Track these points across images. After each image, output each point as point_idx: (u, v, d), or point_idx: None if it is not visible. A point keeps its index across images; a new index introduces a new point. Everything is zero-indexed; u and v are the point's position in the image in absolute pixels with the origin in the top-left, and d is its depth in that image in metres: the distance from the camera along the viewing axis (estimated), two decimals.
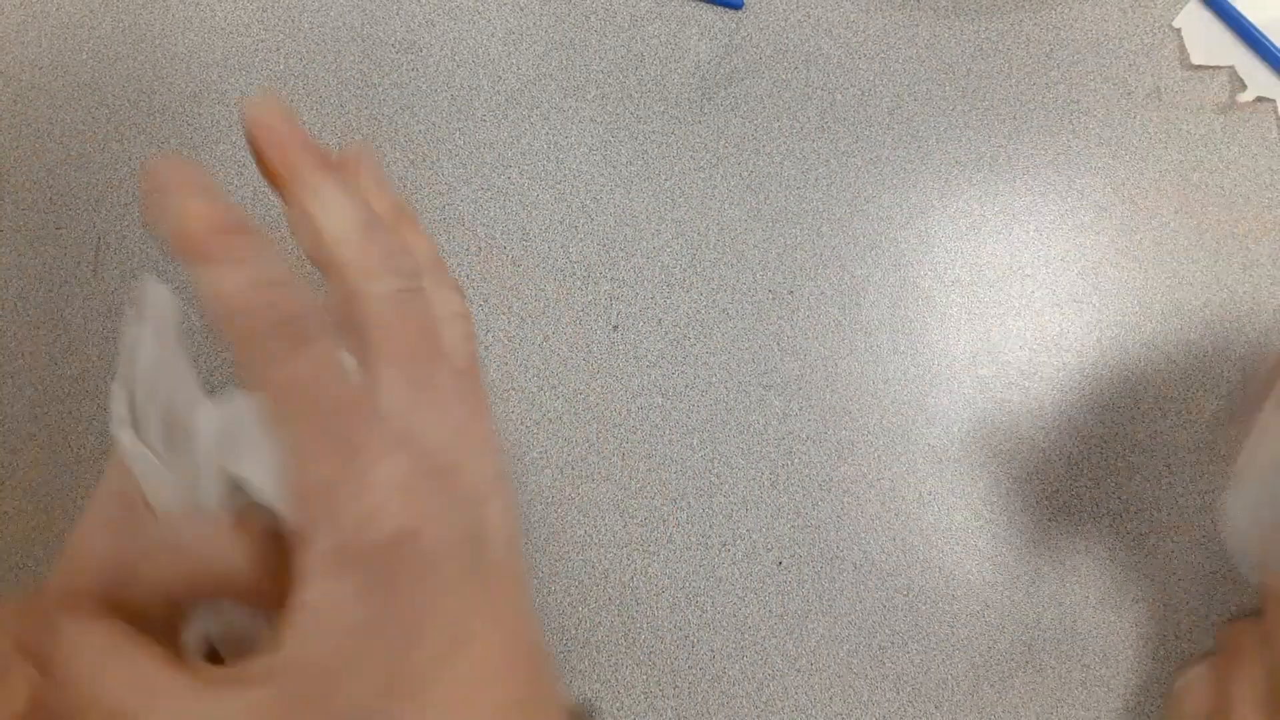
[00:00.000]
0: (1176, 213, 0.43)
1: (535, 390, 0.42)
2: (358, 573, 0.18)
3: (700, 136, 0.44)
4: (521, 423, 0.41)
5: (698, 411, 0.41)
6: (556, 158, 0.44)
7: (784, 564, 0.40)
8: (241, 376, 0.20)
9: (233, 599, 0.22)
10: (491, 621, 0.20)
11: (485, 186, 0.44)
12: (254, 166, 0.46)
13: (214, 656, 0.22)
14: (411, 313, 0.21)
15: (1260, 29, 0.44)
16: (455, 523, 0.20)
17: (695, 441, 0.41)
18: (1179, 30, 0.45)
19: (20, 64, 0.46)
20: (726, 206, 0.44)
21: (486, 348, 0.42)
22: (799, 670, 0.39)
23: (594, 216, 0.44)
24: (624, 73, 0.45)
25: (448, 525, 0.20)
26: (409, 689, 0.19)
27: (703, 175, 0.44)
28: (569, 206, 0.44)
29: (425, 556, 0.19)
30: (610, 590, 0.40)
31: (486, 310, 0.43)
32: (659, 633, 0.39)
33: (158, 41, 0.46)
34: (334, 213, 0.21)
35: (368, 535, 0.18)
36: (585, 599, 0.40)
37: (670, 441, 0.41)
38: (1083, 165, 0.44)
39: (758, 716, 0.39)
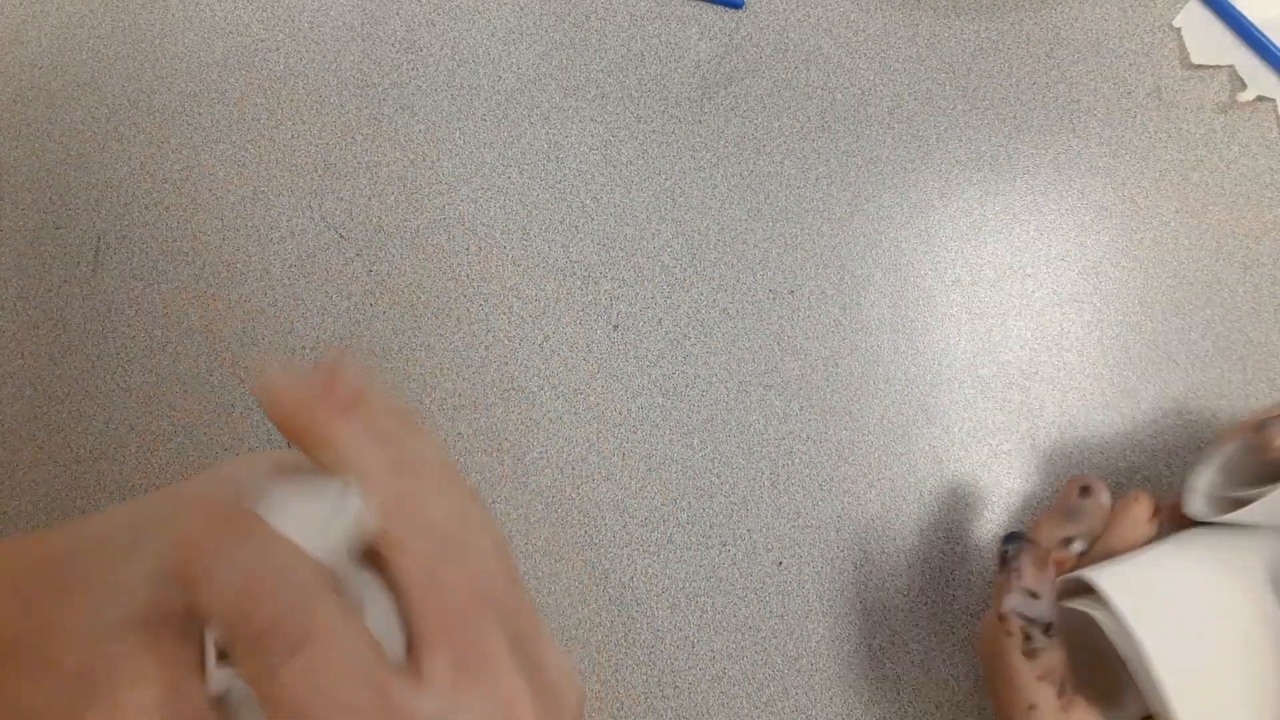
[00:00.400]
0: (1177, 212, 0.43)
1: (535, 390, 0.42)
2: None
3: (700, 136, 0.44)
4: (521, 423, 0.41)
5: (698, 411, 0.41)
6: (556, 157, 0.44)
7: (784, 564, 0.40)
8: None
9: None
10: None
11: (485, 186, 0.44)
12: (252, 167, 0.47)
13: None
14: (449, 574, 0.19)
15: (1260, 28, 0.44)
16: None
17: (695, 441, 0.41)
18: (1179, 30, 0.45)
19: (20, 64, 0.46)
20: (727, 206, 0.44)
21: (487, 348, 0.42)
22: (799, 671, 0.39)
23: (594, 216, 0.44)
24: (624, 72, 0.45)
25: None
26: None
27: (703, 175, 0.44)
28: (569, 206, 0.44)
29: None
30: (610, 590, 0.40)
31: (486, 310, 0.43)
32: (659, 633, 0.39)
33: (157, 41, 0.46)
34: (358, 470, 0.20)
35: None
36: (585, 599, 0.40)
37: (670, 441, 0.41)
38: (1083, 165, 0.44)
39: (758, 717, 0.39)
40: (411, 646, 0.19)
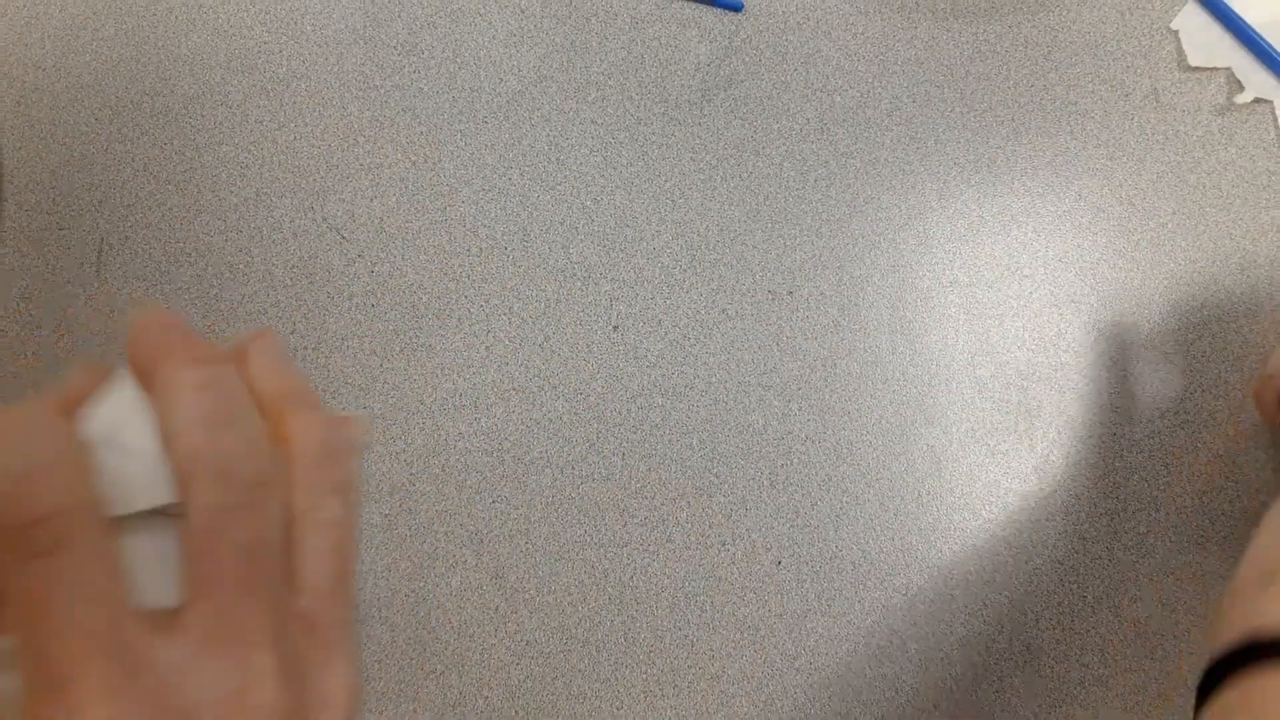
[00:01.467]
0: (1174, 214, 0.43)
1: (535, 390, 0.42)
2: None
3: (700, 138, 0.45)
4: (521, 423, 0.41)
5: (698, 411, 0.42)
6: (557, 159, 0.45)
7: (783, 564, 0.40)
8: None
9: None
10: None
11: (486, 187, 0.44)
12: (255, 168, 0.47)
13: None
14: (234, 532, 0.18)
15: (1258, 31, 0.44)
16: None
17: (695, 441, 0.41)
18: (1176, 32, 0.45)
19: (24, 66, 0.46)
20: (726, 207, 0.44)
21: (488, 348, 0.42)
22: (798, 670, 0.39)
23: (594, 217, 0.44)
24: (624, 75, 0.46)
25: None
26: None
27: (703, 176, 0.44)
28: (569, 207, 0.44)
29: None
30: (610, 590, 0.40)
31: (487, 311, 0.43)
32: (659, 633, 0.40)
33: (160, 44, 0.46)
34: (180, 404, 0.19)
35: None
36: (585, 599, 0.40)
37: (670, 441, 0.41)
38: (1081, 166, 0.44)
39: (757, 716, 0.39)
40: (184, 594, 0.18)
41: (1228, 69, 0.45)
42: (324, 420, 0.21)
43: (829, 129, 0.45)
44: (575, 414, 0.42)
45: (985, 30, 0.46)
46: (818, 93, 0.45)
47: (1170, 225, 0.43)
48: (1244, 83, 0.44)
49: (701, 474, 0.41)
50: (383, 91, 0.46)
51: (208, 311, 0.43)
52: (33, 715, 0.17)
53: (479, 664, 0.39)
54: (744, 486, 0.41)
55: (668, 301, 0.43)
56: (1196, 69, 0.45)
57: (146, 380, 0.20)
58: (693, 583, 0.40)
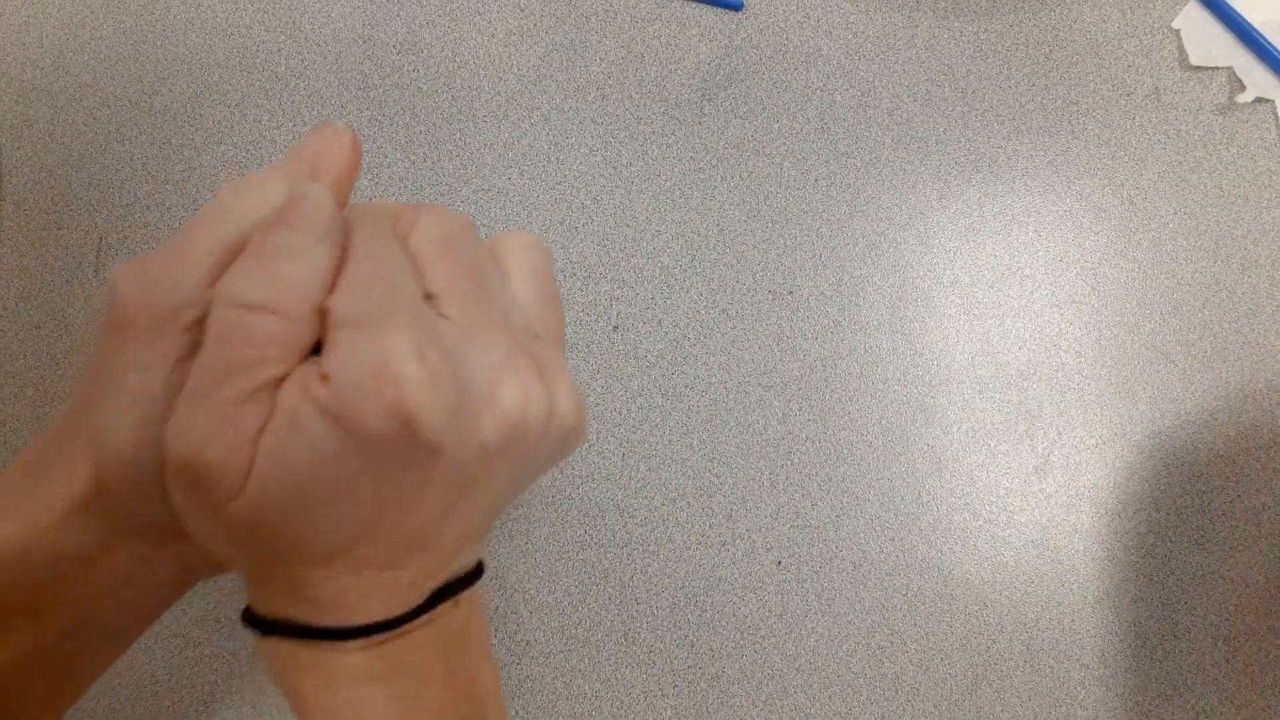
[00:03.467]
0: (1175, 213, 0.43)
1: None
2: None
3: (700, 137, 0.45)
4: None
5: (698, 411, 0.41)
6: (557, 158, 0.44)
7: (783, 564, 0.40)
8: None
9: None
10: None
11: (485, 187, 0.44)
12: (254, 167, 0.46)
13: None
14: (461, 248, 0.25)
15: (1259, 30, 0.44)
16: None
17: (695, 441, 0.41)
18: (1178, 31, 0.45)
19: (22, 64, 0.46)
20: (726, 207, 0.44)
21: None
22: (798, 670, 0.39)
23: (594, 217, 0.44)
24: (624, 74, 0.45)
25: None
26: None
27: (703, 176, 0.44)
28: (569, 207, 0.44)
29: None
30: (610, 590, 0.40)
31: None
32: (659, 633, 0.40)
33: (159, 42, 0.46)
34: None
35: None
36: (585, 599, 0.40)
37: (670, 441, 0.41)
38: (1082, 166, 0.44)
39: (757, 716, 0.39)
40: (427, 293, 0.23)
41: (1229, 68, 0.45)
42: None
43: (829, 128, 0.45)
44: None
45: (986, 29, 0.46)
46: (818, 92, 0.45)
47: (1172, 225, 0.43)
48: (1245, 82, 0.44)
49: (701, 474, 0.41)
50: (382, 90, 0.45)
51: None
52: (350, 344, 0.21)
53: None
54: (744, 486, 0.41)
55: (668, 301, 0.43)
56: (1198, 68, 0.45)
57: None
58: (692, 583, 0.40)
